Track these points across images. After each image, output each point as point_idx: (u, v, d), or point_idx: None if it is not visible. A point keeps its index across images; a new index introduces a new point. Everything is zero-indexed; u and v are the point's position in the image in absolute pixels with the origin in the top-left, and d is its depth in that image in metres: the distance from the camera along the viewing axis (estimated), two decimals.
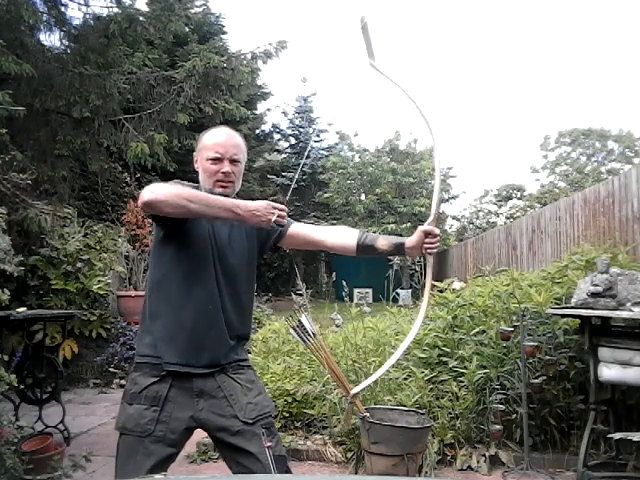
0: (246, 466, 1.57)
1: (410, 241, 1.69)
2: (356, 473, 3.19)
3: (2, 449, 2.54)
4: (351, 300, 5.19)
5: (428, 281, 1.79)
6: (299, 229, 1.81)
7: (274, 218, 1.53)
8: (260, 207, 1.52)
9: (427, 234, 1.67)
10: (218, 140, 1.70)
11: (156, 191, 1.48)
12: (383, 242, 1.74)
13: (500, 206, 22.44)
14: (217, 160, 1.67)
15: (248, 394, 1.64)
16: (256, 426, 1.60)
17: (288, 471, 1.67)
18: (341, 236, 1.78)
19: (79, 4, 5.11)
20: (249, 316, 1.80)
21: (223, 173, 1.67)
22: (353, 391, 1.91)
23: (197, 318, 1.61)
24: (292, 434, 3.61)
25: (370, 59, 1.75)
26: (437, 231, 1.68)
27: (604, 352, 2.85)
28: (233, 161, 1.69)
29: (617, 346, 2.79)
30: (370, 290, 12.33)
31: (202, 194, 1.55)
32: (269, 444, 1.58)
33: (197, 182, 1.72)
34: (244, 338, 1.76)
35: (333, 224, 14.87)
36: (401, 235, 15.14)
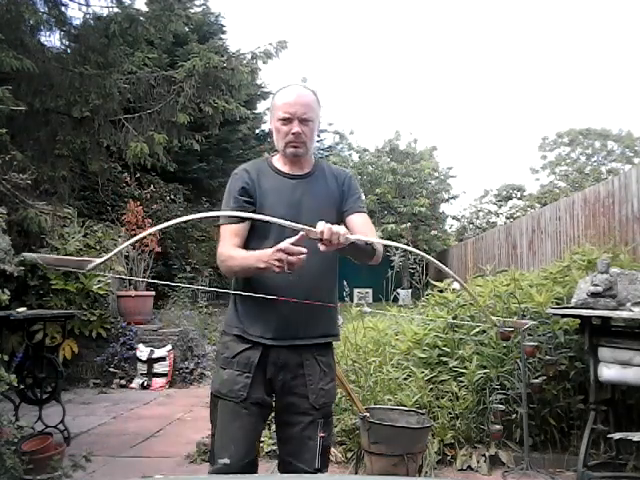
0: (294, 446, 1.66)
1: None
2: (356, 473, 3.18)
3: (2, 449, 2.54)
4: (351, 300, 5.19)
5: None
6: (352, 225, 1.72)
7: (276, 270, 1.48)
8: (264, 256, 1.51)
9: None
10: (288, 99, 1.69)
11: (220, 264, 1.67)
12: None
13: (500, 206, 22.44)
14: (287, 120, 1.67)
15: (323, 379, 1.68)
16: (319, 413, 1.65)
17: (326, 462, 1.72)
18: None
19: (79, 4, 5.11)
20: (334, 286, 1.78)
21: (293, 134, 1.66)
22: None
23: (279, 289, 1.61)
24: None
25: None
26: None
27: (604, 352, 2.85)
28: (303, 120, 1.67)
29: (617, 346, 2.79)
30: (370, 290, 12.33)
31: (238, 258, 1.61)
32: (323, 434, 1.64)
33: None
34: (330, 308, 1.73)
35: None
36: (401, 235, 15.12)
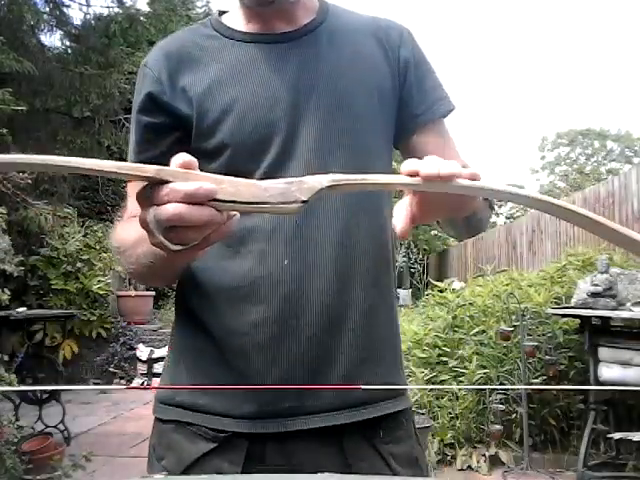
0: None
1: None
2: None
3: (2, 449, 2.54)
4: None
5: None
6: (429, 145, 0.86)
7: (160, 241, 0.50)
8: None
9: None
10: None
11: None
12: None
13: (500, 206, 22.46)
14: None
15: None
16: None
17: None
18: None
19: (80, 4, 5.12)
20: (389, 279, 0.86)
21: None
22: None
23: (263, 300, 0.76)
24: None
25: None
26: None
27: (604, 352, 2.85)
28: None
29: (617, 346, 2.79)
30: None
31: (129, 243, 0.74)
32: None
33: None
34: (389, 336, 0.84)
35: None
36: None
